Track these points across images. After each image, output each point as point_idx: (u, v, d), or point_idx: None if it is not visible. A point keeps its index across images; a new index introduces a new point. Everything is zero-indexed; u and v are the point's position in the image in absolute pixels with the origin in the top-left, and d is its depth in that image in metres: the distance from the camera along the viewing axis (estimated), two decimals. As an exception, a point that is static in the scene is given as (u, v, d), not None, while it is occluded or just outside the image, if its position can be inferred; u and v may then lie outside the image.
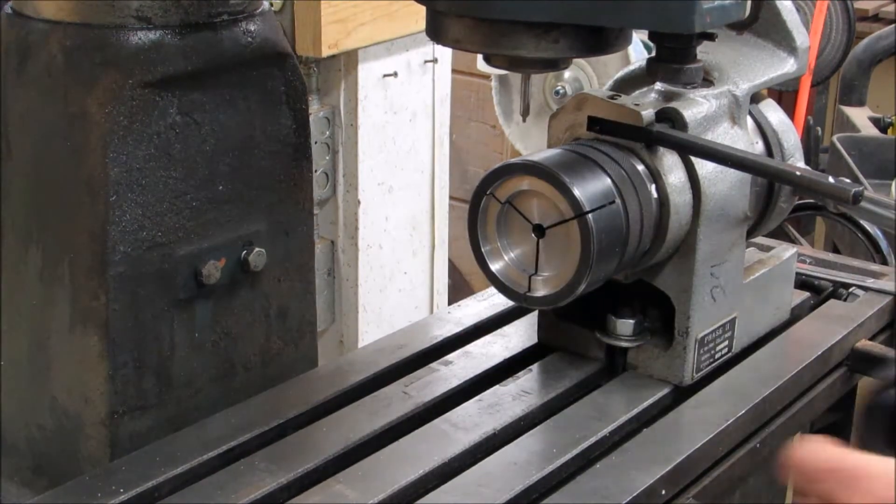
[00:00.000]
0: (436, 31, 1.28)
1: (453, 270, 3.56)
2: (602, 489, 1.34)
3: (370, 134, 3.06)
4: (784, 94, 3.70)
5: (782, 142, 1.64)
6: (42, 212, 1.52)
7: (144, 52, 1.46)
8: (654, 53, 1.25)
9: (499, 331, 1.74)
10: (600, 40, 1.25)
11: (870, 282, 1.91)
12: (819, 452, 1.13)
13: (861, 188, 1.40)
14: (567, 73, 3.75)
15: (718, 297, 1.58)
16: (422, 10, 1.39)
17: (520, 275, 1.45)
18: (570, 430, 1.46)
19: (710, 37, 1.23)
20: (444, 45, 1.29)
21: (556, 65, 1.32)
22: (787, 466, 1.13)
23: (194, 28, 1.50)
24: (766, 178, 1.58)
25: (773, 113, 1.65)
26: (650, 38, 1.23)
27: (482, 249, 1.43)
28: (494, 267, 1.45)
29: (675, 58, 1.23)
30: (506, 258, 1.44)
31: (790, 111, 1.67)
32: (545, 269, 1.41)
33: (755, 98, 1.64)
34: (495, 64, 1.30)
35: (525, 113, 1.36)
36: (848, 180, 1.41)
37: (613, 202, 1.41)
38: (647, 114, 1.44)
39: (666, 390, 1.57)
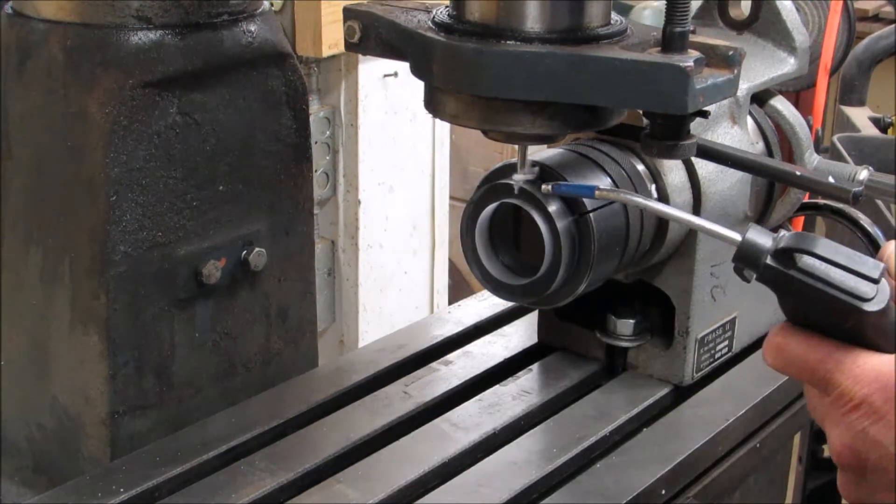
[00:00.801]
0: (433, 106, 1.31)
1: (453, 270, 3.56)
2: (602, 489, 1.35)
3: (370, 134, 3.06)
4: (783, 94, 3.70)
5: (799, 135, 1.64)
6: (42, 211, 1.52)
7: (145, 52, 1.46)
8: (647, 130, 1.26)
9: (499, 330, 1.74)
10: (595, 117, 1.27)
11: (870, 282, 1.90)
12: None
13: (861, 188, 1.40)
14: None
15: (718, 297, 1.58)
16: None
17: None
18: (570, 430, 1.46)
19: (704, 114, 1.24)
20: (442, 119, 1.32)
21: (552, 139, 1.35)
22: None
23: (194, 28, 1.50)
24: (766, 177, 1.58)
25: (785, 108, 1.65)
26: (645, 115, 1.25)
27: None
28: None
29: (669, 135, 1.24)
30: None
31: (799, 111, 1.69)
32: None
33: (764, 96, 1.64)
34: (492, 138, 1.33)
35: (520, 178, 1.39)
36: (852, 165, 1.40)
37: (614, 202, 1.41)
38: (648, 114, 1.44)
39: (666, 390, 1.57)
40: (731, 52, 1.24)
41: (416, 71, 1.29)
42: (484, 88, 1.23)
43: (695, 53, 1.19)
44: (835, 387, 1.05)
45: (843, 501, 1.15)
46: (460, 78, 1.24)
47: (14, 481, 1.60)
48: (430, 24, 1.27)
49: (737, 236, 1.08)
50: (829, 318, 1.04)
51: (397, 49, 1.32)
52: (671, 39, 1.20)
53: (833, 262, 1.02)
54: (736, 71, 1.24)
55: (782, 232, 1.06)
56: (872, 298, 1.01)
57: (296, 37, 2.82)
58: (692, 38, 1.22)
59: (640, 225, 1.44)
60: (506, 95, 1.22)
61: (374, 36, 1.34)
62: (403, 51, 1.30)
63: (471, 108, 1.27)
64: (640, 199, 1.29)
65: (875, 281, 1.01)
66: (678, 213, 1.26)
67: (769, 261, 1.05)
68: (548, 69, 1.20)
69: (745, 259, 1.06)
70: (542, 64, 1.20)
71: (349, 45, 1.35)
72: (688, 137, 1.25)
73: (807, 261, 1.03)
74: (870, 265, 1.02)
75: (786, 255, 1.04)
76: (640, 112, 1.43)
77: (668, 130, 1.25)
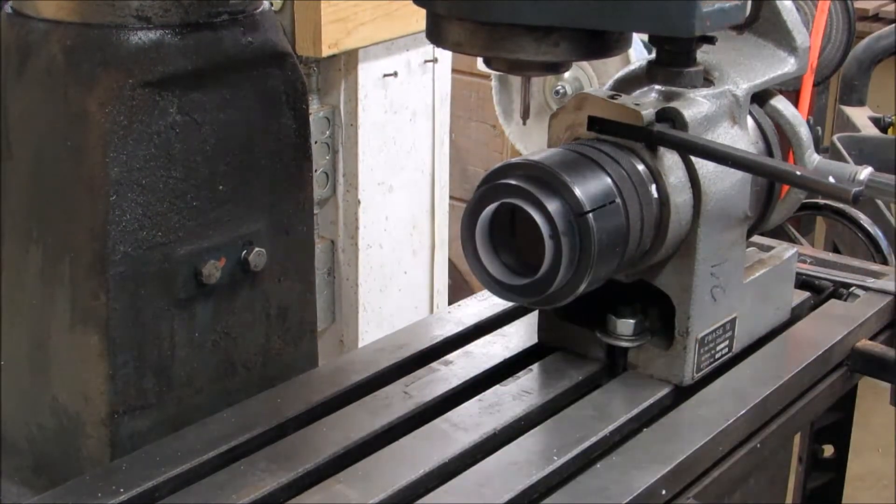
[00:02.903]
0: (436, 35, 1.28)
1: (453, 270, 3.56)
2: (602, 489, 1.35)
3: (370, 133, 3.06)
4: (783, 93, 3.70)
5: (800, 134, 1.63)
6: (42, 211, 1.52)
7: (144, 52, 1.46)
8: (653, 56, 1.25)
9: (499, 330, 1.74)
10: (600, 43, 1.25)
11: (870, 282, 1.91)
12: None
13: (861, 188, 1.40)
14: (567, 73, 3.75)
15: (719, 297, 1.58)
16: (422, 9, 1.39)
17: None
18: (571, 430, 1.46)
19: (710, 40, 1.23)
20: (445, 48, 1.29)
21: (556, 68, 1.33)
22: None
23: (194, 28, 1.50)
24: (767, 177, 1.58)
25: (786, 108, 1.65)
26: (650, 41, 1.24)
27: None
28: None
29: (674, 61, 1.23)
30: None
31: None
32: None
33: (764, 95, 1.64)
34: (495, 67, 1.30)
35: (525, 115, 1.37)
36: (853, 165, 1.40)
37: (614, 202, 1.41)
38: (648, 114, 1.44)
39: (666, 390, 1.57)
40: None
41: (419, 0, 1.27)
42: (488, 14, 1.20)
43: None
44: None
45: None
46: (463, 4, 1.22)
47: (14, 481, 1.60)
48: None
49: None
50: None
51: None
52: None
53: None
54: None
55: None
56: None
57: (296, 36, 2.82)
58: None
59: (641, 225, 1.44)
60: (511, 20, 1.20)
61: None
62: None
63: (474, 35, 1.25)
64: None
65: None
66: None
67: None
68: None
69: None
70: None
71: None
72: (694, 64, 1.24)
73: None
74: None
75: None
76: (641, 111, 1.43)
77: (674, 56, 1.24)
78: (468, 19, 1.23)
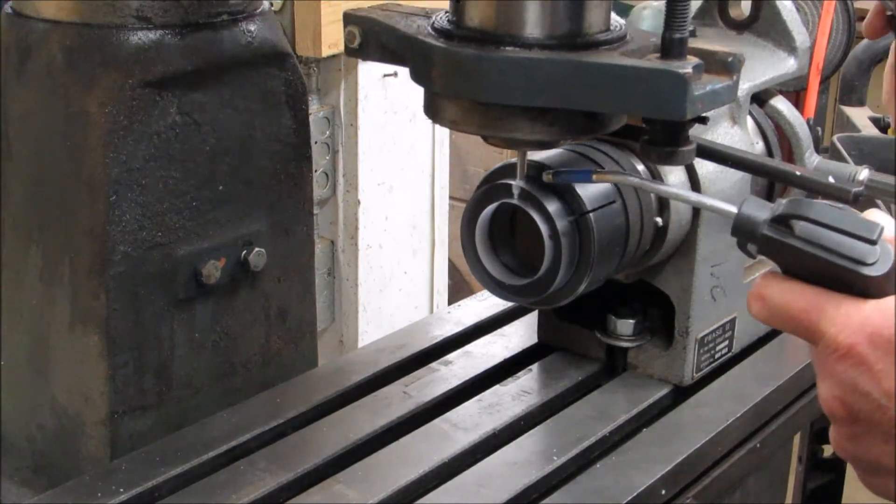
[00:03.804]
0: (432, 111, 1.31)
1: (453, 270, 3.56)
2: (602, 489, 1.35)
3: (370, 134, 3.06)
4: (783, 94, 3.70)
5: (799, 135, 1.64)
6: (42, 211, 1.52)
7: (144, 52, 1.46)
8: (647, 136, 1.26)
9: (499, 330, 1.74)
10: (594, 123, 1.27)
11: (870, 282, 1.90)
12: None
13: (861, 188, 1.40)
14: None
15: (718, 297, 1.58)
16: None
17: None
18: (570, 430, 1.46)
19: (703, 120, 1.24)
20: (442, 124, 1.32)
21: (552, 144, 1.35)
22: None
23: (194, 28, 1.50)
24: (766, 177, 1.58)
25: (785, 108, 1.65)
26: (643, 121, 1.26)
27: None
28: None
29: (668, 142, 1.24)
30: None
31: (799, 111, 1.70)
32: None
33: (764, 96, 1.64)
34: (492, 143, 1.33)
35: (523, 178, 1.39)
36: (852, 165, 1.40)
37: (614, 202, 1.41)
38: (648, 114, 1.44)
39: (666, 390, 1.57)
40: (730, 59, 1.24)
41: (416, 77, 1.29)
42: (483, 94, 1.23)
43: (694, 60, 1.19)
44: (820, 336, 1.01)
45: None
46: (460, 84, 1.24)
47: (14, 481, 1.60)
48: (430, 30, 1.27)
49: (732, 209, 1.06)
50: (832, 285, 1.01)
51: (397, 54, 1.31)
52: (670, 46, 1.20)
53: (830, 226, 0.99)
54: (735, 77, 1.24)
55: (779, 201, 1.04)
56: (873, 263, 0.98)
57: (295, 37, 2.82)
58: (691, 42, 1.22)
59: (640, 225, 1.44)
60: (505, 101, 1.23)
61: (373, 41, 1.34)
62: (403, 56, 1.30)
63: (470, 114, 1.27)
64: (635, 180, 1.29)
65: (873, 242, 0.98)
66: (675, 190, 1.25)
67: (766, 230, 1.02)
68: (547, 75, 1.20)
69: (743, 231, 1.04)
70: (541, 70, 1.20)
71: (349, 51, 1.35)
72: (687, 143, 1.26)
73: (803, 226, 1.00)
74: (867, 226, 0.99)
75: (782, 223, 1.01)
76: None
77: (667, 136, 1.25)
78: (464, 99, 1.25)
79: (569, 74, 1.20)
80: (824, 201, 1.03)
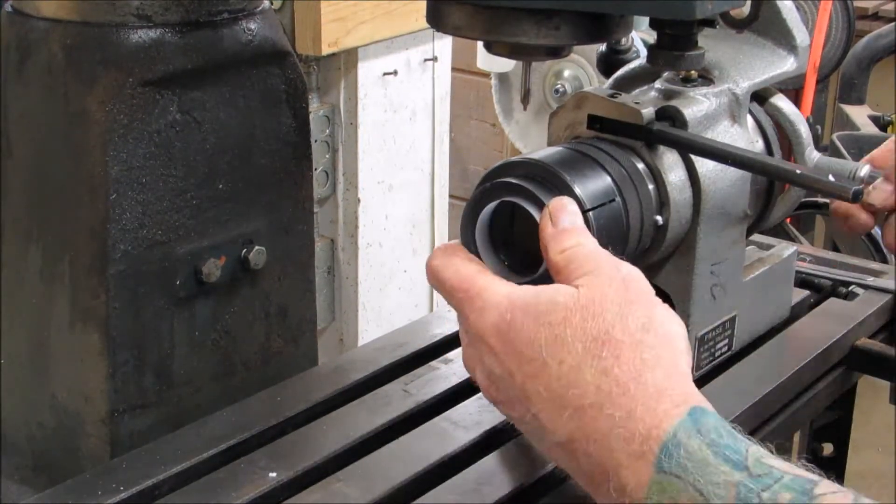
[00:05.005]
0: (436, 19, 1.28)
1: (453, 269, 3.56)
2: (602, 487, 1.34)
3: (370, 132, 3.07)
4: (782, 92, 3.70)
5: (800, 132, 1.64)
6: (42, 210, 1.52)
7: (145, 51, 1.46)
8: (654, 41, 1.25)
9: (499, 329, 1.74)
10: (602, 27, 1.25)
11: (870, 280, 1.91)
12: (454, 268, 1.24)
13: (861, 186, 1.40)
14: (567, 72, 3.75)
15: (718, 296, 1.58)
16: (421, 7, 1.39)
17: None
18: (571, 429, 1.46)
19: (711, 23, 1.22)
20: (445, 32, 1.28)
21: (557, 52, 1.32)
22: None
23: (194, 26, 1.50)
24: (767, 176, 1.58)
25: (785, 106, 1.65)
26: (651, 24, 1.23)
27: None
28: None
29: (676, 45, 1.23)
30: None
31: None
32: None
33: (764, 94, 1.64)
34: (496, 51, 1.30)
35: (525, 101, 1.36)
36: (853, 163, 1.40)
37: (613, 200, 1.40)
38: (647, 112, 1.44)
39: (666, 388, 1.57)
40: None
41: None
42: None
43: None
44: (465, 318, 1.20)
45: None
46: None
47: (14, 480, 1.60)
48: None
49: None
50: None
51: None
52: None
53: None
54: None
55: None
56: None
57: (295, 35, 2.82)
58: None
59: (640, 223, 1.44)
60: (510, 3, 1.19)
61: None
62: None
63: (474, 18, 1.24)
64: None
65: None
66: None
67: None
68: None
69: None
70: None
71: None
72: (695, 48, 1.24)
73: None
74: None
75: None
76: (640, 110, 1.43)
77: (675, 39, 1.23)
78: (468, 3, 1.22)
79: None
80: None
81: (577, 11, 1.21)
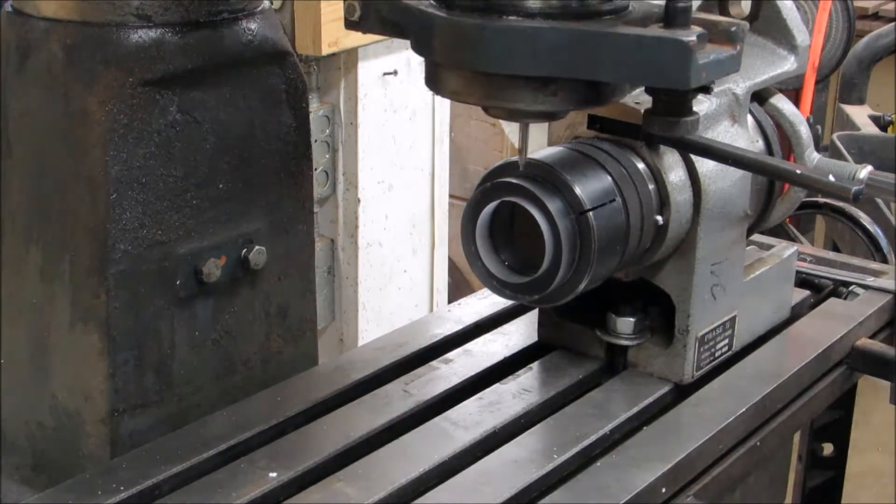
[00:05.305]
0: (434, 82, 1.30)
1: (453, 269, 3.56)
2: (602, 487, 1.35)
3: (370, 132, 3.06)
4: (783, 92, 3.69)
5: (800, 133, 1.64)
6: (43, 210, 1.52)
7: (145, 51, 1.46)
8: (650, 106, 1.25)
9: (499, 329, 1.74)
10: (597, 93, 1.26)
11: (870, 280, 1.91)
12: None
13: (861, 187, 1.40)
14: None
15: (719, 296, 1.58)
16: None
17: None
18: (571, 429, 1.46)
19: (707, 90, 1.23)
20: (443, 96, 1.31)
21: (554, 116, 1.34)
22: None
23: (195, 26, 1.50)
24: (766, 176, 1.58)
25: (785, 106, 1.65)
26: (647, 91, 1.25)
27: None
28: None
29: (671, 111, 1.24)
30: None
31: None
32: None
33: (764, 94, 1.64)
34: (493, 114, 1.32)
35: (523, 156, 1.37)
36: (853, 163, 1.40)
37: (614, 200, 1.41)
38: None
39: (666, 388, 1.57)
40: (733, 28, 1.23)
41: (418, 48, 1.28)
42: (486, 64, 1.21)
43: (697, 29, 1.18)
44: None
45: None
46: (462, 54, 1.22)
47: (14, 479, 1.60)
48: (431, 1, 1.26)
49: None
50: None
51: (398, 26, 1.29)
52: (673, 15, 1.19)
53: None
54: (739, 47, 1.22)
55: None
56: None
57: (295, 35, 2.82)
58: (694, 14, 1.20)
59: (641, 223, 1.44)
60: (507, 71, 1.21)
61: (373, 13, 1.32)
62: (404, 27, 1.28)
63: (472, 84, 1.25)
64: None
65: None
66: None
67: None
68: (550, 45, 1.18)
69: None
70: (543, 39, 1.18)
71: (349, 24, 1.33)
72: (690, 114, 1.25)
73: None
74: None
75: None
76: (641, 110, 1.43)
77: (670, 106, 1.24)
78: (466, 69, 1.24)
79: (571, 44, 1.18)
80: None
81: (573, 79, 1.22)
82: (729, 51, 1.21)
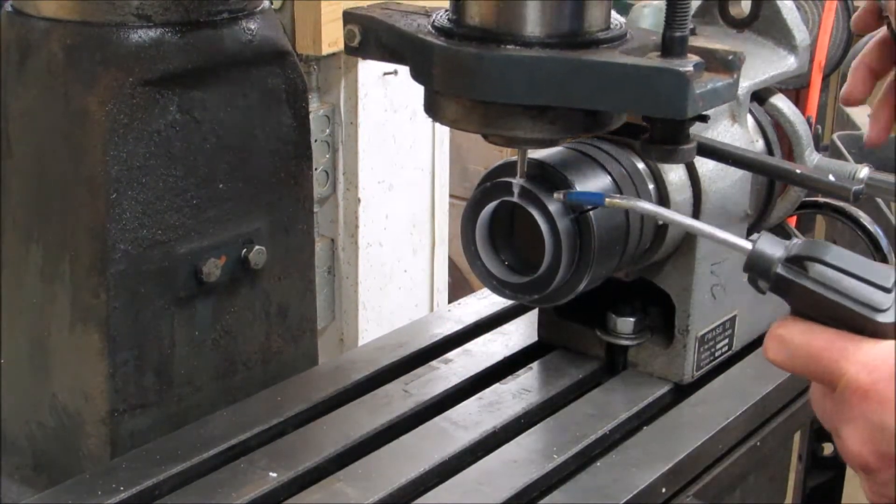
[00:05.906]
0: (433, 110, 1.30)
1: (453, 268, 3.56)
2: (602, 487, 1.35)
3: (370, 132, 3.06)
4: (783, 92, 3.69)
5: (799, 133, 1.64)
6: (42, 210, 1.52)
7: (145, 50, 1.46)
8: (647, 134, 1.26)
9: (499, 329, 1.74)
10: (595, 121, 1.27)
11: (870, 280, 1.90)
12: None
13: (861, 186, 1.40)
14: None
15: (719, 295, 1.58)
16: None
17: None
18: (571, 429, 1.46)
19: (704, 119, 1.24)
20: (442, 123, 1.32)
21: (553, 143, 1.35)
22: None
23: (195, 26, 1.50)
24: (767, 176, 1.58)
25: (786, 106, 1.65)
26: (644, 119, 1.26)
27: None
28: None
29: (668, 140, 1.24)
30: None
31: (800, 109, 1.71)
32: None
33: (764, 94, 1.64)
34: (492, 141, 1.33)
35: (522, 177, 1.38)
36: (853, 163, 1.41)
37: (614, 200, 1.40)
38: (648, 112, 1.44)
39: (666, 388, 1.57)
40: (730, 57, 1.24)
41: (416, 75, 1.29)
42: (484, 93, 1.23)
43: (694, 58, 1.19)
44: (840, 375, 1.00)
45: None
46: (460, 82, 1.24)
47: (14, 480, 1.60)
48: (430, 29, 1.27)
49: (747, 245, 1.06)
50: (843, 329, 1.01)
51: (397, 53, 1.31)
52: (671, 44, 1.20)
53: (845, 270, 1.00)
54: (735, 75, 1.24)
55: (794, 240, 1.05)
56: (887, 309, 0.98)
57: (296, 35, 2.82)
58: (692, 41, 1.22)
59: (641, 223, 1.44)
60: (506, 100, 1.22)
61: (373, 40, 1.34)
62: (403, 55, 1.30)
63: (471, 112, 1.27)
64: (650, 207, 1.28)
65: (888, 290, 0.99)
66: (689, 221, 1.25)
67: (780, 270, 1.03)
68: (547, 74, 1.20)
69: (756, 268, 1.05)
70: (541, 69, 1.20)
71: (349, 49, 1.35)
72: (687, 142, 1.26)
73: (818, 269, 1.01)
74: (882, 273, 0.99)
75: (797, 263, 1.02)
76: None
77: (667, 134, 1.25)
78: (464, 97, 1.25)
79: (569, 73, 1.20)
80: (839, 247, 1.03)
81: (571, 108, 1.23)
82: (725, 79, 1.22)
